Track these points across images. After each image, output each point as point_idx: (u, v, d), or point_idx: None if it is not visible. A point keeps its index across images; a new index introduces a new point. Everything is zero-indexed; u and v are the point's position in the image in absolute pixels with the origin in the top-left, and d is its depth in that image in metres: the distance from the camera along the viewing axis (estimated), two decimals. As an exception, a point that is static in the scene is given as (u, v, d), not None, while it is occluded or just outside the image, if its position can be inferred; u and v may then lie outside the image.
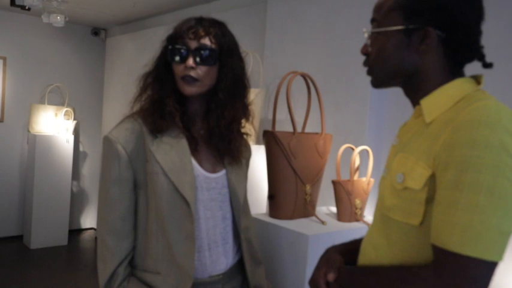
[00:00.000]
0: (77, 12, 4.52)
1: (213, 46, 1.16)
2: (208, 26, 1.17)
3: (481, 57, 0.88)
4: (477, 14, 0.84)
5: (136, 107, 1.23)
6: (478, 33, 0.86)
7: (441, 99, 0.84)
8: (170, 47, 1.17)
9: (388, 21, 0.89)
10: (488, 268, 0.71)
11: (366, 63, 0.95)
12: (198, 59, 1.15)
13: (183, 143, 1.18)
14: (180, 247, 1.15)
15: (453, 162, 0.73)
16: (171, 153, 1.16)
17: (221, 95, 1.20)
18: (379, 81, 0.94)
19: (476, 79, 0.88)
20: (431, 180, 0.79)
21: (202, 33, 1.16)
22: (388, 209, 0.88)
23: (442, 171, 0.76)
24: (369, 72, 0.95)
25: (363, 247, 0.98)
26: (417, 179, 0.80)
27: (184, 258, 1.15)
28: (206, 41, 1.16)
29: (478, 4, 0.84)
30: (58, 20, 3.94)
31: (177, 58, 1.16)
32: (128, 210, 1.18)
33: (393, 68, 0.90)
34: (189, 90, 1.17)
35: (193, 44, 1.15)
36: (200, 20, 1.19)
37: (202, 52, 1.15)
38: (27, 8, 3.52)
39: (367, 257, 0.95)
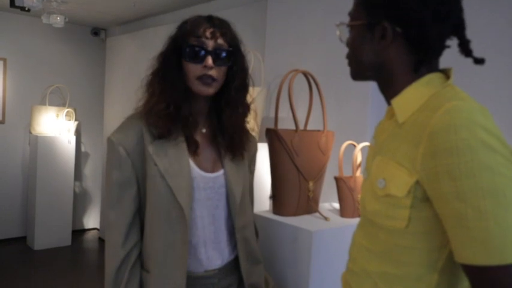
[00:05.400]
0: (77, 12, 4.52)
1: (228, 46, 1.18)
2: (222, 26, 1.18)
3: (468, 53, 0.84)
4: (432, 11, 0.80)
5: (139, 106, 1.22)
6: (437, 30, 0.82)
7: (411, 99, 0.83)
8: (187, 46, 1.15)
9: (355, 15, 0.91)
10: None
11: (346, 56, 0.96)
12: (216, 60, 1.15)
13: (182, 145, 1.18)
14: (174, 249, 1.16)
15: (443, 172, 0.71)
16: (170, 155, 1.16)
17: (234, 93, 1.22)
18: (354, 73, 0.96)
19: (446, 73, 0.86)
20: (416, 187, 0.77)
21: (218, 34, 1.16)
22: (370, 213, 0.87)
23: (433, 182, 0.73)
24: (348, 64, 0.96)
25: (354, 238, 0.98)
26: (401, 187, 0.79)
27: (178, 259, 1.16)
28: (222, 42, 1.17)
29: (433, 1, 0.80)
30: (58, 20, 3.94)
31: (195, 58, 1.14)
32: (132, 211, 1.19)
33: (361, 60, 0.91)
34: (207, 90, 1.17)
35: (210, 44, 1.15)
36: (211, 19, 1.19)
37: (219, 52, 1.16)
38: (26, 9, 3.52)
39: (354, 250, 0.95)
